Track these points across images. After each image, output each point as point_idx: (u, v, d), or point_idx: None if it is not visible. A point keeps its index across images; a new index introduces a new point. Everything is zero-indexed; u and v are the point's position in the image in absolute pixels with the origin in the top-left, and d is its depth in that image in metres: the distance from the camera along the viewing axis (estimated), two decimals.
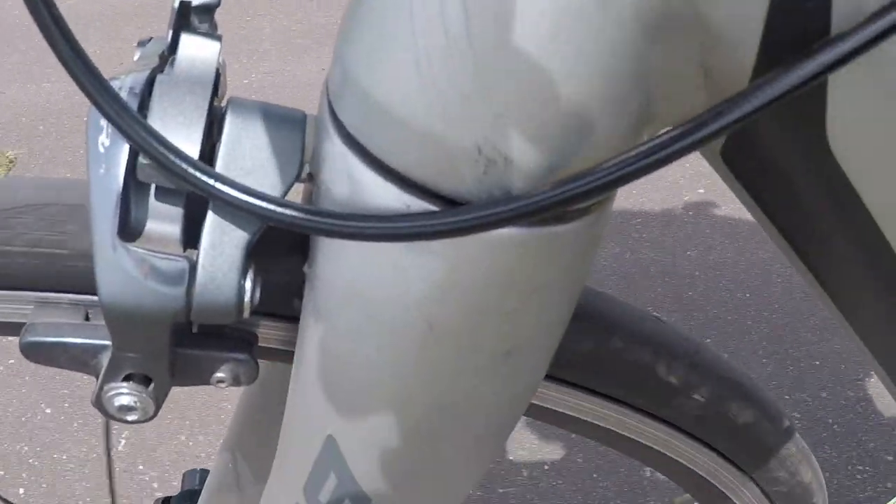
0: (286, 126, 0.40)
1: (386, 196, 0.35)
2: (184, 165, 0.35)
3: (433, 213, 0.35)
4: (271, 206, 0.35)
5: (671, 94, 0.35)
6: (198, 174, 0.35)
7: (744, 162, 0.40)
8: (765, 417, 0.61)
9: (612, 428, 0.59)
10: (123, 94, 0.38)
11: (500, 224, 0.33)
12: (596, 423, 0.59)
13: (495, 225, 0.33)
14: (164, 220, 0.39)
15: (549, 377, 0.55)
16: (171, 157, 0.35)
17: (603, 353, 0.55)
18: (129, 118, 0.34)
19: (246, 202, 0.35)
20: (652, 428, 0.60)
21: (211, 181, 0.35)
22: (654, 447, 0.61)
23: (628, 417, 0.59)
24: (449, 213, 0.34)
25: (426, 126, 0.33)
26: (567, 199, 0.32)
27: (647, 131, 0.36)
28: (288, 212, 0.35)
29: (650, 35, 0.32)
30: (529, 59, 0.31)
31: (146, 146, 0.35)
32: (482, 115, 0.33)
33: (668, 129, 0.31)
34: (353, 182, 0.36)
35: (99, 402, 0.46)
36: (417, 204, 0.35)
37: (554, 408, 0.58)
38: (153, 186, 0.39)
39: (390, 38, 0.33)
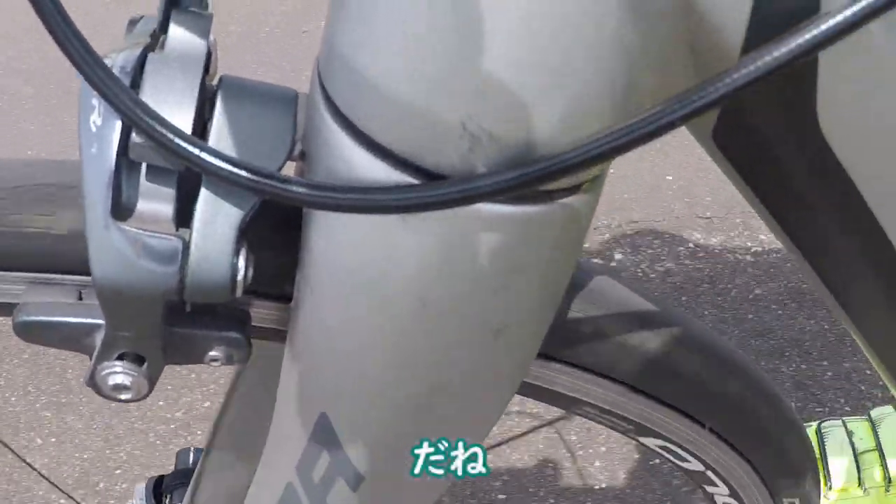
0: (278, 104, 0.40)
1: (375, 172, 0.35)
2: (177, 140, 0.35)
3: (412, 185, 0.35)
4: (259, 178, 0.35)
5: (658, 73, 0.35)
6: (191, 148, 0.35)
7: (736, 145, 0.40)
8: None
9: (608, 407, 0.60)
10: (115, 73, 0.38)
11: (479, 199, 0.33)
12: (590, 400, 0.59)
13: (475, 199, 0.33)
14: (156, 200, 0.39)
15: (542, 355, 0.55)
16: (165, 132, 0.35)
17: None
18: (122, 94, 0.34)
19: (239, 175, 0.35)
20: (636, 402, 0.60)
21: (204, 155, 0.35)
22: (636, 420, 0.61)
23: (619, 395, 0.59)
24: (427, 187, 0.34)
25: (411, 101, 0.34)
26: (548, 174, 0.32)
27: (633, 110, 0.36)
28: (271, 182, 0.35)
29: (634, 11, 0.32)
30: (512, 33, 0.32)
31: (139, 121, 0.35)
32: (466, 90, 0.33)
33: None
34: (343, 159, 0.36)
35: (93, 382, 0.46)
36: (404, 180, 0.35)
37: (547, 386, 0.58)
38: (144, 166, 0.39)
39: (376, 14, 0.33)
